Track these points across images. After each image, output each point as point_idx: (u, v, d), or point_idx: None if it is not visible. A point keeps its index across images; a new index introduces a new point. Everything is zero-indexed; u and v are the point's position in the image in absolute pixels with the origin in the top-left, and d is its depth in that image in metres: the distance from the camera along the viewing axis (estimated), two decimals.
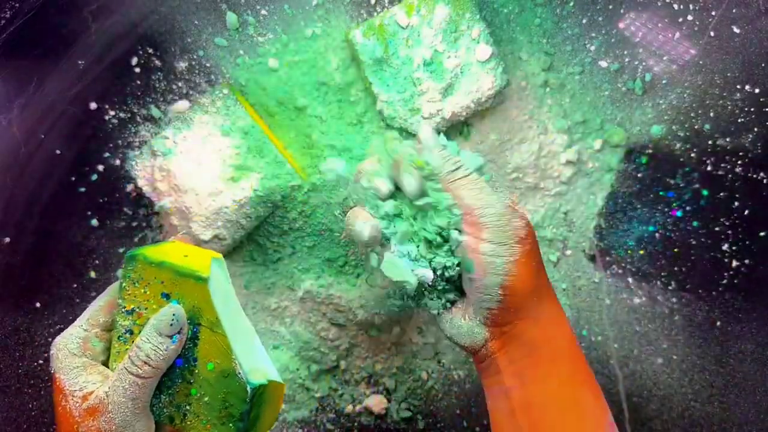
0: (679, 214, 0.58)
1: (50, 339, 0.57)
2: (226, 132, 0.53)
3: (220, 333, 0.39)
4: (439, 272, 0.43)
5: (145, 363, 0.38)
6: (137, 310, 0.41)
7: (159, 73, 0.55)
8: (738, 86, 0.55)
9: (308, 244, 0.57)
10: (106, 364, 0.42)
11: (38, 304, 0.57)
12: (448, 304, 0.45)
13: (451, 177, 0.42)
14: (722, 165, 0.57)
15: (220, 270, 0.42)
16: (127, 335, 0.41)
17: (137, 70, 0.55)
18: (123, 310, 0.41)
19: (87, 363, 0.41)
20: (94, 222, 0.57)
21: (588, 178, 0.59)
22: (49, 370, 0.41)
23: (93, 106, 0.55)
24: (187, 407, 0.40)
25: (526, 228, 0.42)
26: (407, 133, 0.55)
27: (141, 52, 0.55)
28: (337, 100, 0.56)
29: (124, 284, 0.41)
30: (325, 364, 0.60)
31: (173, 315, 0.39)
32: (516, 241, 0.41)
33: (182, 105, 0.55)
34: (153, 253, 0.41)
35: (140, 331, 0.40)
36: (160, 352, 0.39)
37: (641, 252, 0.59)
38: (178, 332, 0.39)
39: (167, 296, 0.40)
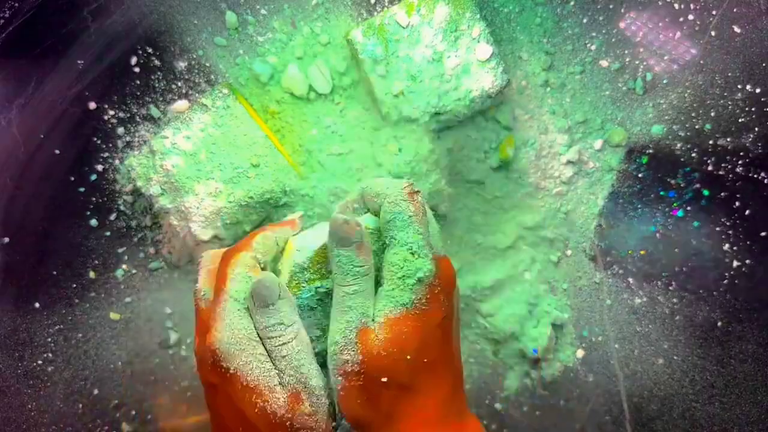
0: (679, 214, 0.58)
1: (50, 339, 0.57)
2: (225, 132, 0.53)
3: None
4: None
5: (281, 330, 0.38)
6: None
7: (158, 73, 0.55)
8: (739, 86, 0.55)
9: None
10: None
11: (38, 304, 0.56)
12: None
13: (333, 279, 0.40)
14: (723, 165, 0.56)
15: None
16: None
17: (137, 69, 0.55)
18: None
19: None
20: (94, 222, 0.56)
21: (588, 178, 0.59)
22: (220, 371, 0.39)
23: (92, 106, 0.55)
24: None
25: (357, 366, 0.38)
26: (407, 125, 0.55)
27: (140, 52, 0.55)
28: (337, 100, 0.56)
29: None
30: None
31: (259, 287, 0.39)
32: (340, 372, 0.39)
33: (182, 105, 0.55)
34: None
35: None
36: (281, 316, 0.38)
37: (642, 252, 0.59)
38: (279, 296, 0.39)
39: None
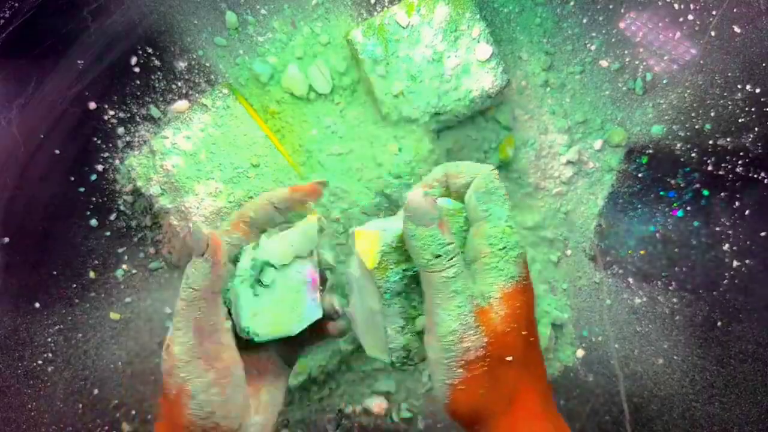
0: (679, 214, 0.58)
1: (50, 339, 0.57)
2: (225, 132, 0.53)
3: None
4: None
5: (189, 287, 0.39)
6: None
7: (158, 73, 0.55)
8: (739, 86, 0.55)
9: None
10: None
11: (38, 304, 0.56)
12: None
13: (423, 266, 0.37)
14: (723, 165, 0.56)
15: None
16: None
17: (137, 69, 0.55)
18: None
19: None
20: (94, 222, 0.56)
21: (588, 178, 0.59)
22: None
23: (92, 106, 0.55)
24: None
25: (482, 350, 0.36)
26: (407, 125, 0.55)
27: (140, 52, 0.55)
28: (336, 100, 0.56)
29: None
30: (326, 365, 0.60)
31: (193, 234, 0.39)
32: (459, 364, 0.36)
33: (182, 105, 0.55)
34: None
35: None
36: (197, 274, 0.39)
37: (642, 252, 0.59)
38: (208, 255, 0.39)
39: None
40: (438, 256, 0.36)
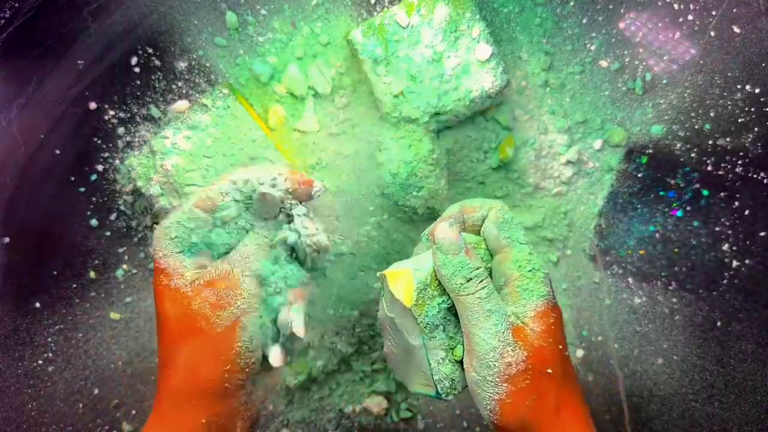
0: (679, 214, 0.58)
1: (50, 339, 0.57)
2: (225, 132, 0.53)
3: None
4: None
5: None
6: None
7: (159, 73, 0.55)
8: (738, 86, 0.55)
9: None
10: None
11: (38, 304, 0.57)
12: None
13: (457, 291, 0.39)
14: (722, 165, 0.57)
15: None
16: None
17: (137, 70, 0.55)
18: None
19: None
20: (94, 222, 0.57)
21: (588, 178, 0.59)
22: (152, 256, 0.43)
23: (93, 106, 0.55)
24: None
25: (523, 364, 0.38)
26: (407, 125, 0.55)
27: (140, 52, 0.55)
28: (336, 100, 0.56)
29: None
30: (326, 365, 0.60)
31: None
32: (503, 379, 0.38)
33: (182, 105, 0.55)
34: None
35: None
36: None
37: (641, 252, 0.59)
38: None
39: None
40: (469, 280, 0.39)
